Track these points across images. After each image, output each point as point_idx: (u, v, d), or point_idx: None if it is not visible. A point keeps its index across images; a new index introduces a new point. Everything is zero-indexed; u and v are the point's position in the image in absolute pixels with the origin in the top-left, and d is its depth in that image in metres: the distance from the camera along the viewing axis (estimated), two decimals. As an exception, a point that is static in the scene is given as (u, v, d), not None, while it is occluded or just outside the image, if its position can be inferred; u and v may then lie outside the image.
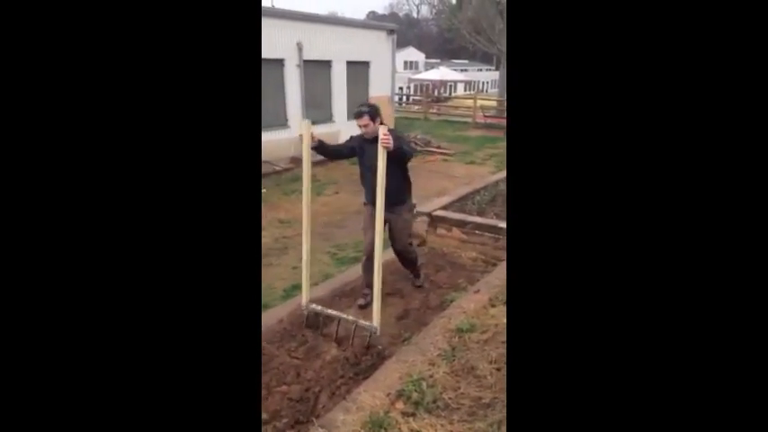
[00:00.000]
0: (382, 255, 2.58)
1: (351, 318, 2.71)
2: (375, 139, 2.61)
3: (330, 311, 2.77)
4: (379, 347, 2.62)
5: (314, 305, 2.82)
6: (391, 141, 2.42)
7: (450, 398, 1.95)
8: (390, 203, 2.68)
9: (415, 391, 1.98)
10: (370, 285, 3.02)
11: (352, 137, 2.97)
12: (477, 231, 4.07)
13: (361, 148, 2.86)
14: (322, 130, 9.49)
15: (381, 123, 2.65)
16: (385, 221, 2.83)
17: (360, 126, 2.74)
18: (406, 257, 3.17)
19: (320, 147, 2.76)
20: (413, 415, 1.86)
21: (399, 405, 1.93)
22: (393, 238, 3.00)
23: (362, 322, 2.63)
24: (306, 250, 2.75)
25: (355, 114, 2.75)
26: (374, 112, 2.71)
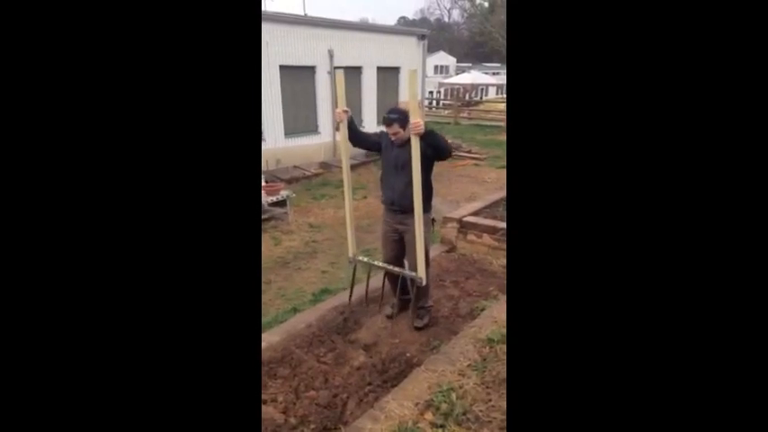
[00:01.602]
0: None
1: (397, 269, 2.82)
2: (404, 143, 2.58)
3: (376, 262, 2.92)
4: (407, 355, 2.59)
5: (360, 257, 3.00)
6: (422, 126, 2.35)
7: (480, 410, 1.90)
8: (405, 211, 2.58)
9: (445, 402, 1.94)
10: (395, 294, 2.99)
11: (382, 131, 2.82)
12: (508, 238, 3.97)
13: (388, 146, 2.73)
14: (352, 136, 9.58)
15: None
16: (399, 233, 2.78)
17: (390, 134, 2.62)
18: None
19: (351, 125, 2.71)
20: (442, 426, 1.82)
21: (428, 416, 1.89)
22: (407, 251, 2.80)
23: (408, 272, 2.72)
24: (348, 200, 2.93)
25: (384, 122, 2.62)
26: (404, 120, 2.55)
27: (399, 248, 2.85)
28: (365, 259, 2.93)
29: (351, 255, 2.98)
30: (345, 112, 2.66)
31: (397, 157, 2.64)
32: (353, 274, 3.03)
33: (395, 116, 2.58)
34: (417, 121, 2.36)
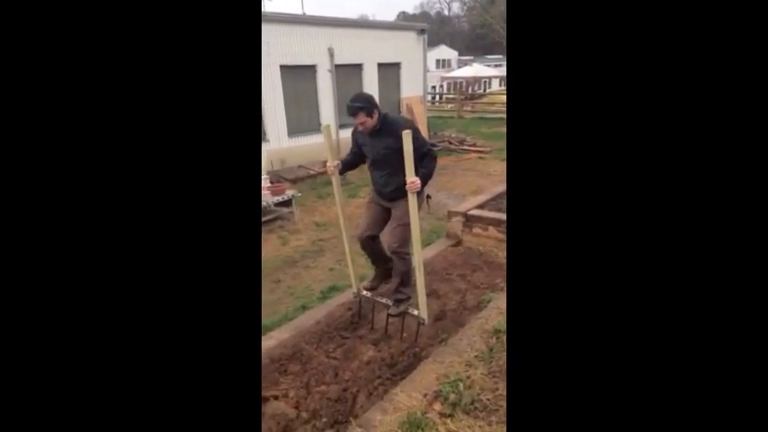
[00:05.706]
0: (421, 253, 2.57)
1: (397, 310, 2.79)
2: (376, 132, 2.46)
3: (379, 299, 2.90)
4: (416, 349, 2.61)
5: (365, 292, 2.98)
6: (419, 184, 2.28)
7: (488, 399, 1.92)
8: (393, 198, 2.56)
9: (453, 392, 1.96)
10: (376, 266, 2.96)
11: (353, 133, 2.69)
12: (513, 229, 3.97)
13: (362, 142, 2.61)
14: (355, 133, 9.61)
15: (413, 121, 2.51)
16: (386, 208, 2.69)
17: (358, 124, 2.46)
18: (396, 261, 2.69)
19: (343, 169, 2.72)
20: (450, 416, 1.84)
21: (437, 406, 1.92)
22: (389, 227, 2.69)
23: (412, 312, 2.69)
24: (346, 241, 2.89)
25: (349, 112, 2.42)
26: (369, 106, 2.39)
27: (381, 217, 2.75)
28: (369, 294, 2.95)
29: (354, 289, 2.99)
30: (336, 166, 2.64)
31: (374, 152, 2.54)
32: (359, 309, 3.02)
33: (358, 104, 2.38)
34: (413, 179, 2.25)
